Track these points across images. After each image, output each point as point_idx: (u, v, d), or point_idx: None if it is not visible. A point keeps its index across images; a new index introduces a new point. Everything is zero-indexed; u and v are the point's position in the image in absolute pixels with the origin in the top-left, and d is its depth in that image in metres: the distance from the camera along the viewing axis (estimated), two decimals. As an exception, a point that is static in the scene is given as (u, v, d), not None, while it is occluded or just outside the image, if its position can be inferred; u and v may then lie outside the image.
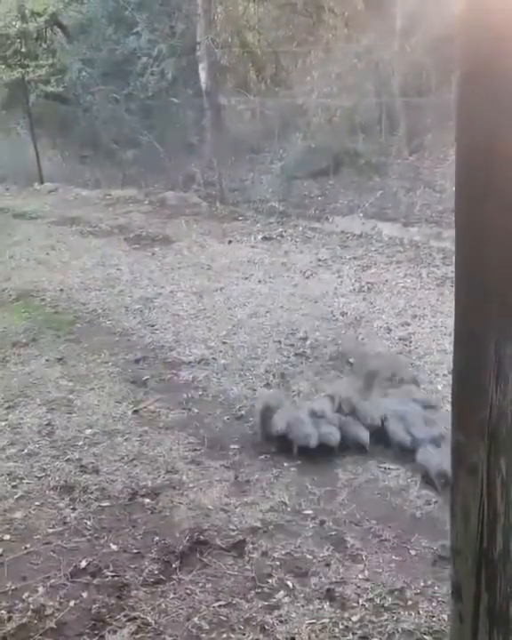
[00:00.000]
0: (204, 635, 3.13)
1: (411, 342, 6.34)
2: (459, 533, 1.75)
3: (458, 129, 1.65)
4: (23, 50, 16.71)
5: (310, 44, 13.40)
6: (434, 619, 3.17)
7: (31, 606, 3.32)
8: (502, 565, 1.70)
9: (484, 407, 1.64)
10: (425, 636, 3.07)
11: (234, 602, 3.33)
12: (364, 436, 4.71)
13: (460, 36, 1.59)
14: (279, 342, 6.55)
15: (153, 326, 7.16)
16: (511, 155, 1.54)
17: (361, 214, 10.50)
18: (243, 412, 5.33)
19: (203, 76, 13.45)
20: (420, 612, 3.23)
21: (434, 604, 3.27)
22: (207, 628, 3.17)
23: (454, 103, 1.68)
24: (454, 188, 1.72)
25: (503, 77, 1.49)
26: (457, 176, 1.67)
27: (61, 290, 8.43)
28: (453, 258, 6.88)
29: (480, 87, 1.54)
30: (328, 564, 3.59)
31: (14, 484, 4.38)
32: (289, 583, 3.46)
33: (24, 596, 3.39)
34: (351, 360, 6.05)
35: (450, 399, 1.79)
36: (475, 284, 1.66)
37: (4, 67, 16.85)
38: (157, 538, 3.84)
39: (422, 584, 3.42)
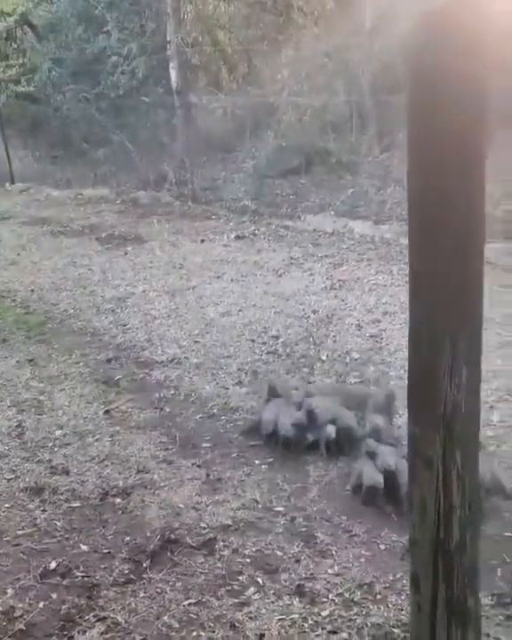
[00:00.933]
0: (173, 633, 3.13)
1: (382, 339, 6.38)
2: (416, 525, 1.77)
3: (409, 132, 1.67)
4: (-8, 50, 16.59)
5: (280, 42, 13.41)
6: (402, 612, 3.19)
7: (0, 608, 3.30)
8: (459, 556, 1.72)
9: (439, 401, 1.66)
10: (393, 629, 3.09)
11: (204, 600, 3.34)
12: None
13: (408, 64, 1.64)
14: (252, 340, 6.56)
15: (125, 326, 7.14)
16: (458, 171, 1.59)
17: (332, 212, 10.54)
18: (215, 411, 5.34)
19: (173, 74, 13.41)
20: (389, 605, 3.26)
21: (402, 597, 3.29)
22: (177, 626, 3.17)
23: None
24: (407, 193, 1.74)
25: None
26: (409, 184, 1.70)
27: (32, 290, 8.37)
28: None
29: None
30: (298, 560, 3.61)
31: (-17, 486, 4.36)
32: (259, 580, 3.47)
33: (-7, 599, 3.38)
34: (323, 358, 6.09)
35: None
36: (429, 283, 1.68)
37: (-27, 67, 16.71)
38: (128, 537, 3.84)
39: (391, 578, 3.44)
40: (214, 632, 3.12)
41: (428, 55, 1.62)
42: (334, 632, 3.11)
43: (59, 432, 5.05)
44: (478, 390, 1.71)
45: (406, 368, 5.29)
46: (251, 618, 3.20)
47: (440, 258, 1.63)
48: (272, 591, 3.38)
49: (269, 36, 13.81)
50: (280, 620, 3.18)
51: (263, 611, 3.25)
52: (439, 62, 1.61)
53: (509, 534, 3.78)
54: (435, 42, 1.60)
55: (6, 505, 4.15)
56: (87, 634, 3.09)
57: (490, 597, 3.25)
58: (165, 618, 3.21)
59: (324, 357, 6.11)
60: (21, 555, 3.70)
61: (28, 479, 4.42)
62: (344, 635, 3.09)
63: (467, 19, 1.59)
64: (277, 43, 13.44)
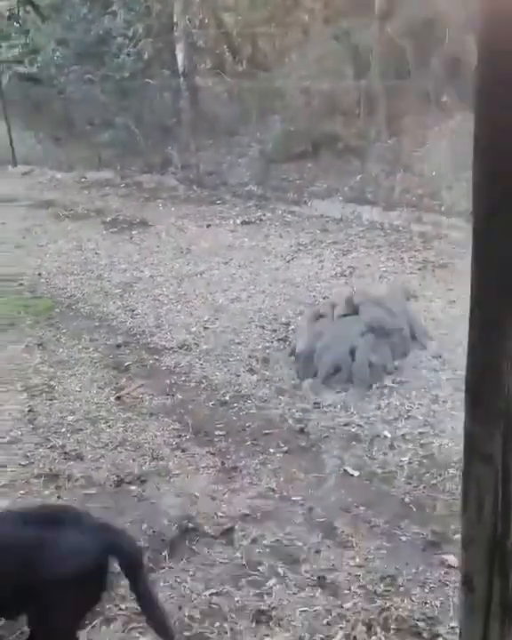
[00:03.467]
0: (195, 624, 3.09)
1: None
2: (471, 522, 1.71)
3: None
4: (-5, 29, 16.37)
5: (288, 25, 13.24)
6: (426, 605, 3.16)
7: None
8: (516, 555, 1.67)
9: (500, 395, 1.60)
10: (418, 623, 3.05)
11: (225, 590, 3.30)
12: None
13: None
14: (262, 327, 6.50)
15: (133, 311, 7.08)
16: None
17: (340, 198, 10.44)
18: (227, 398, 5.29)
19: (180, 57, 13.22)
20: (413, 598, 3.22)
21: (426, 590, 3.26)
22: (199, 617, 3.13)
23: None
24: (471, 181, 1.67)
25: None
26: (474, 172, 1.62)
27: (39, 274, 8.29)
28: (434, 242, 6.83)
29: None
30: (318, 551, 3.57)
31: (-3, 472, 4.31)
32: (280, 571, 3.43)
33: (11, 587, 3.32)
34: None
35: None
36: (493, 271, 1.61)
37: (-25, 47, 16.51)
38: (145, 525, 3.79)
39: (414, 570, 3.40)
40: (237, 624, 3.08)
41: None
42: (358, 624, 3.06)
43: (71, 417, 5.00)
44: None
45: (417, 354, 5.22)
46: (273, 609, 3.16)
47: (506, 247, 1.56)
48: (293, 582, 3.35)
49: (277, 18, 13.62)
50: (303, 611, 3.14)
51: (285, 602, 3.21)
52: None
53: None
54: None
55: (21, 491, 4.10)
56: (110, 625, 3.05)
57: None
58: (187, 609, 3.17)
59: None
60: (38, 543, 3.65)
61: (42, 465, 4.37)
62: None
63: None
64: (285, 25, 13.27)
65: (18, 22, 16.69)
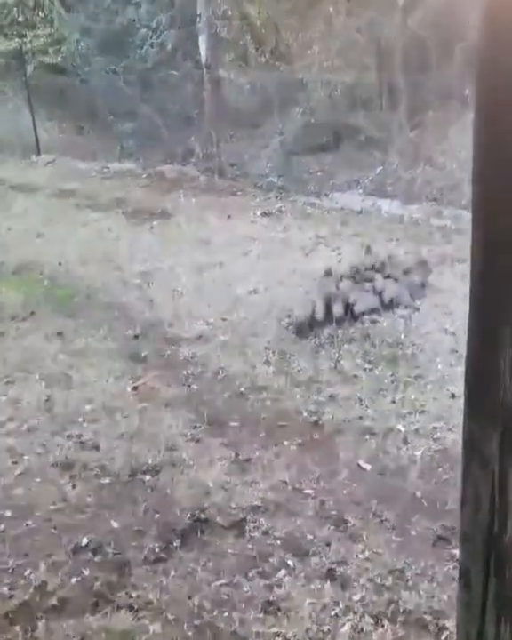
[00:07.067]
0: (205, 613, 3.14)
1: (411, 321, 6.32)
2: (469, 520, 1.74)
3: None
4: (21, 19, 16.45)
5: (311, 17, 13.20)
6: (434, 599, 3.18)
7: (33, 583, 3.32)
8: (512, 553, 1.69)
9: (498, 395, 1.62)
10: (425, 616, 3.09)
11: (235, 581, 3.34)
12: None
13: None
14: (279, 320, 6.52)
15: (152, 302, 7.12)
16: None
17: (361, 191, 10.43)
18: (242, 390, 5.32)
19: (203, 48, 13.22)
20: (421, 592, 3.24)
21: (434, 584, 3.28)
22: (209, 606, 3.18)
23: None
24: (472, 166, 1.67)
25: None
26: (474, 181, 1.63)
27: (59, 263, 8.36)
28: (453, 236, 6.78)
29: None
30: (328, 544, 3.60)
31: (14, 460, 4.38)
32: (290, 562, 3.47)
33: (26, 573, 3.40)
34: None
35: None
36: (493, 265, 1.62)
37: (1, 37, 16.61)
38: (158, 515, 3.85)
39: (423, 564, 3.43)
40: (246, 614, 3.12)
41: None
42: (365, 617, 3.10)
43: (88, 407, 5.05)
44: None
45: (436, 350, 5.23)
46: (282, 600, 3.20)
47: (507, 241, 1.56)
48: (303, 574, 3.38)
49: (300, 10, 13.59)
50: (312, 603, 3.18)
51: (294, 594, 3.25)
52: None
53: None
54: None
55: (37, 479, 4.17)
56: (120, 611, 3.11)
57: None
58: (197, 598, 3.22)
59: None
60: (53, 530, 3.72)
61: (58, 454, 4.43)
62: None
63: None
64: (308, 17, 13.23)
65: (43, 12, 16.78)
